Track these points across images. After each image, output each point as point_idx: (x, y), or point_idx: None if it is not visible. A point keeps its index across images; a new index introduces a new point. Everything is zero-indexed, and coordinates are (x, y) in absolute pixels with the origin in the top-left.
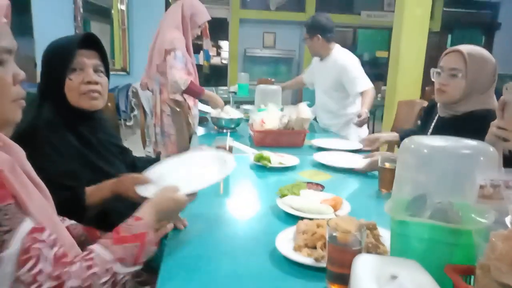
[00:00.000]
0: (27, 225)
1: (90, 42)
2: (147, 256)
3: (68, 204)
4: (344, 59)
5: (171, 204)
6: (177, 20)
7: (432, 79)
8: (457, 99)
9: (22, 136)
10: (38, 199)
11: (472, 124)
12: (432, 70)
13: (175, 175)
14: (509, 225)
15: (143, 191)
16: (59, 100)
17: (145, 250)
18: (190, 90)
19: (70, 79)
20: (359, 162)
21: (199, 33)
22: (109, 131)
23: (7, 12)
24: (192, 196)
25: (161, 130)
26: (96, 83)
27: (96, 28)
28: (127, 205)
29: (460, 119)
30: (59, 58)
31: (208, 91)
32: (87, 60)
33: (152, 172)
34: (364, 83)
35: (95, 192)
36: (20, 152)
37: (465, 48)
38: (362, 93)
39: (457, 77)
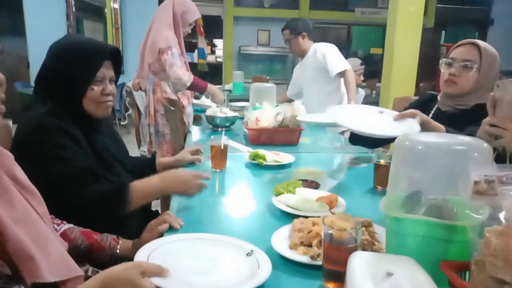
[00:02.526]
0: None
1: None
2: None
3: (111, 197)
4: (322, 47)
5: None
6: (169, 18)
7: (442, 70)
8: (466, 91)
9: (41, 126)
10: (22, 208)
11: (476, 118)
12: (442, 61)
13: (184, 261)
14: (503, 220)
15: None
16: (73, 104)
17: None
18: (194, 86)
19: (92, 89)
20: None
21: (189, 31)
22: (111, 131)
23: None
24: None
25: (155, 130)
26: (113, 94)
27: (89, 27)
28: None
29: (464, 114)
30: (86, 67)
31: (211, 85)
32: (106, 71)
33: (164, 240)
34: (342, 64)
35: (141, 185)
36: (9, 158)
37: (481, 42)
38: (345, 83)
39: (470, 69)
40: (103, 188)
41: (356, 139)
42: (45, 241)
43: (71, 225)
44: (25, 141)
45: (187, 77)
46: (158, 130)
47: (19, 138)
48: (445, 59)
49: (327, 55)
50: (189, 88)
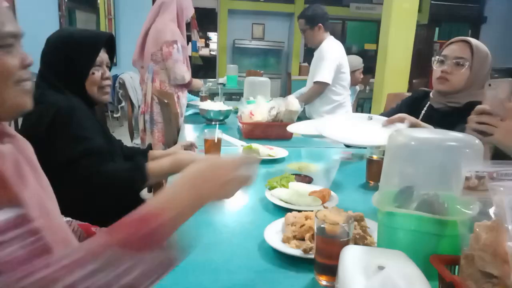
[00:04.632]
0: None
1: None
2: (157, 241)
3: (131, 175)
4: (326, 51)
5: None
6: (173, 12)
7: (434, 67)
8: (458, 89)
9: (67, 107)
10: (35, 191)
11: (468, 116)
12: (434, 58)
13: None
14: (493, 216)
15: None
16: (79, 90)
17: (148, 234)
18: (188, 83)
19: (93, 73)
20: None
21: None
22: (102, 119)
23: None
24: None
25: (150, 117)
26: (110, 78)
27: (82, 17)
28: (126, 204)
29: (456, 111)
30: (86, 53)
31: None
32: (104, 56)
33: None
34: (321, 75)
35: (153, 164)
36: (26, 144)
37: (473, 40)
38: (307, 89)
39: (462, 66)
40: (121, 166)
41: None
42: (54, 224)
43: (68, 218)
44: (51, 121)
45: (189, 75)
46: (153, 118)
47: (40, 120)
48: (437, 57)
49: (320, 62)
50: (185, 85)
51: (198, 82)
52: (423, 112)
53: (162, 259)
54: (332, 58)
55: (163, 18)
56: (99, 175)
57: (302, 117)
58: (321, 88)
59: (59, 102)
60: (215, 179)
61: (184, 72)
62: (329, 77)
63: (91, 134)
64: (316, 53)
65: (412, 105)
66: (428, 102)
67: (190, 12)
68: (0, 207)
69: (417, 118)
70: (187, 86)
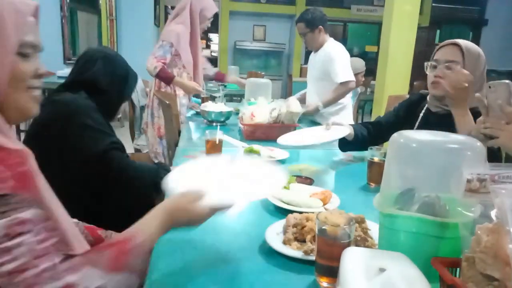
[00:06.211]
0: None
1: None
2: (131, 263)
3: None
4: (334, 52)
5: (185, 216)
6: (185, 15)
7: (426, 72)
8: None
9: (80, 108)
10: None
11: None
12: (426, 63)
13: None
14: (494, 218)
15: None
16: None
17: (123, 256)
18: (159, 77)
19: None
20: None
21: (209, 25)
22: None
23: (36, 12)
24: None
25: (151, 111)
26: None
27: (83, 18)
28: (135, 205)
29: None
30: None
31: (178, 79)
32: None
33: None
34: (342, 75)
35: None
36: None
37: (462, 41)
38: (336, 89)
39: (454, 70)
40: (146, 164)
41: (345, 145)
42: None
43: (75, 220)
44: (65, 120)
45: (153, 67)
46: (153, 112)
47: (54, 118)
48: (430, 62)
49: (334, 64)
50: (156, 77)
51: (185, 85)
52: (421, 115)
53: (126, 282)
54: (343, 55)
55: (174, 21)
56: (129, 167)
57: (302, 119)
58: (347, 88)
59: (78, 100)
60: (187, 212)
61: (148, 63)
62: (350, 74)
63: (110, 131)
64: (319, 55)
65: (409, 108)
66: (426, 105)
67: (210, 12)
68: (30, 205)
69: (415, 121)
70: (165, 81)
